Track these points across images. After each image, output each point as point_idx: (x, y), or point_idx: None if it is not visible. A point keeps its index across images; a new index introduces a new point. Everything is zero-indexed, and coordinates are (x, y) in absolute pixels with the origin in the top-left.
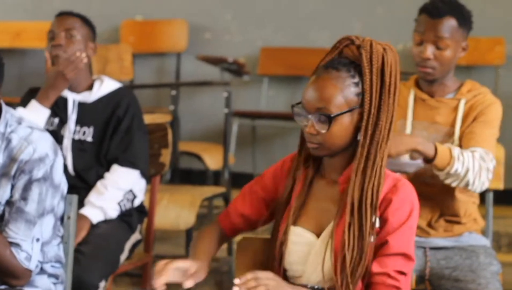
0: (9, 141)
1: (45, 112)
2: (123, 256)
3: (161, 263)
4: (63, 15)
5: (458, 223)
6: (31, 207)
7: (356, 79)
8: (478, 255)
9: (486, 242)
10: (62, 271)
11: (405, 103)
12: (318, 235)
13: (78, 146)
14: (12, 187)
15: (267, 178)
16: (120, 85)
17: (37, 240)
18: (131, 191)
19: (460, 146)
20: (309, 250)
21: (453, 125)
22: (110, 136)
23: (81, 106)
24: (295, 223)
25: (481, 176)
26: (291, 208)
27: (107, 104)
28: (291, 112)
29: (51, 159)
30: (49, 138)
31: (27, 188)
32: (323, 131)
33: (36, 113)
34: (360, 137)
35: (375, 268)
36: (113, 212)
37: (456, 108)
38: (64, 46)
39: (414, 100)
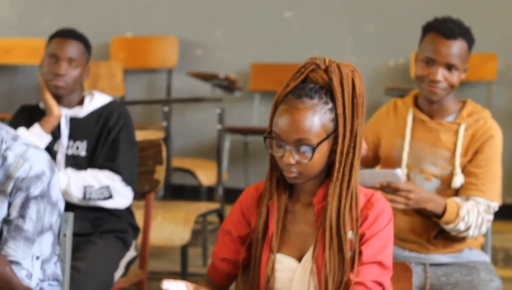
0: (4, 158)
1: (46, 137)
2: (118, 274)
3: None
4: (68, 38)
5: (458, 239)
6: (29, 225)
7: (330, 105)
8: (479, 271)
9: (486, 258)
10: (59, 289)
11: (404, 122)
12: (299, 259)
13: (72, 161)
14: (9, 205)
15: (236, 215)
16: (111, 99)
17: (37, 258)
18: (107, 187)
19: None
20: (292, 276)
21: (453, 151)
22: (101, 148)
23: (73, 121)
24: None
25: (481, 228)
26: (271, 237)
27: (99, 117)
28: (264, 142)
29: (48, 176)
30: (45, 156)
31: (24, 206)
32: (305, 161)
33: (38, 138)
34: (336, 160)
35: (352, 277)
36: (75, 191)
37: (456, 133)
38: (65, 76)
39: (413, 120)
